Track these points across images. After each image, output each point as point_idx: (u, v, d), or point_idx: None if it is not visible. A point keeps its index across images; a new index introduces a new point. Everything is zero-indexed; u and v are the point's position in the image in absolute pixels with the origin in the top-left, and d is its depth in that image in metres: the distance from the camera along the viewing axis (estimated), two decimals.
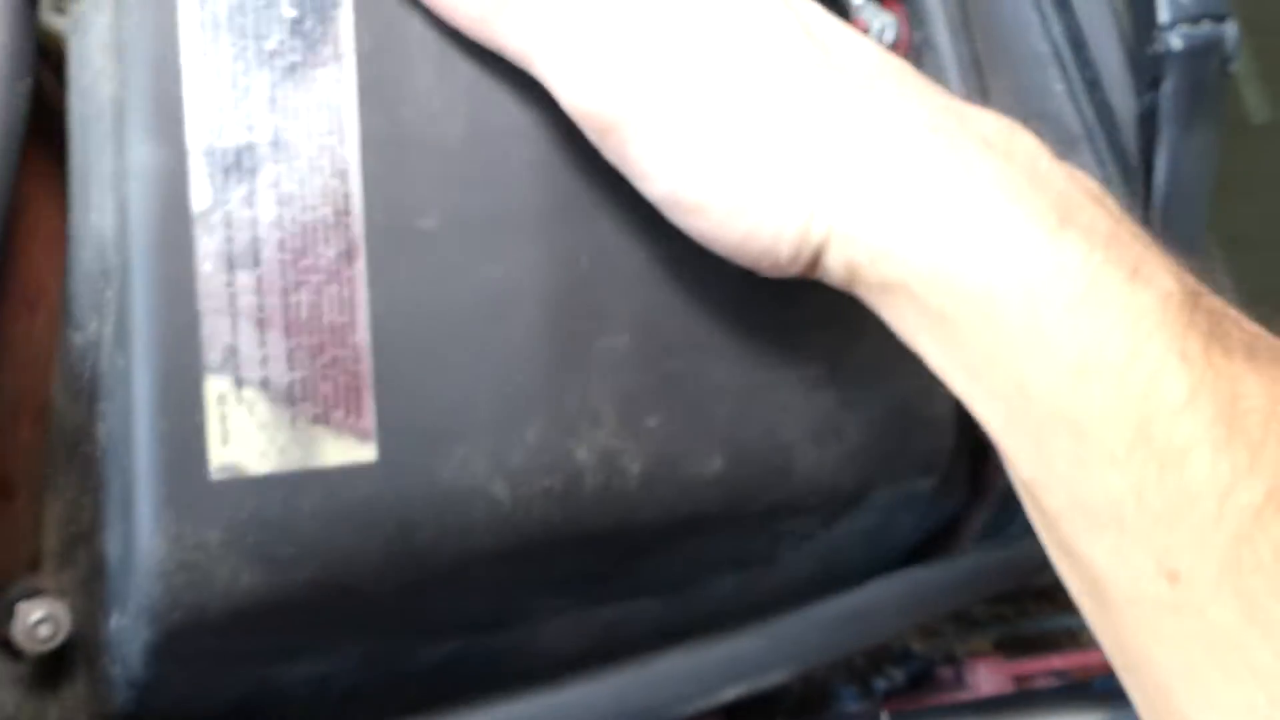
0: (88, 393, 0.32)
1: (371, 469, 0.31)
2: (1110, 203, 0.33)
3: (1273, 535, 0.27)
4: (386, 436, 0.32)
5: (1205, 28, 0.56)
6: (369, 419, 0.31)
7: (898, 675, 0.58)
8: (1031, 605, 0.67)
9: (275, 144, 0.30)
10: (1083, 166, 0.55)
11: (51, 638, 0.33)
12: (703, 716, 0.49)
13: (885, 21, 0.52)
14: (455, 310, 0.33)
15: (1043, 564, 0.53)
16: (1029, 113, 0.54)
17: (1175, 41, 0.55)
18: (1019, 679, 0.61)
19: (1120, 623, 0.30)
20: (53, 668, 0.34)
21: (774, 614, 0.52)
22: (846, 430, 0.44)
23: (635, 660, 0.43)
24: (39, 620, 0.33)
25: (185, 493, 0.29)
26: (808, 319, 0.41)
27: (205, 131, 0.30)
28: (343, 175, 0.31)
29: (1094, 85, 0.58)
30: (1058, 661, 0.63)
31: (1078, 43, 0.58)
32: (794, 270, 0.33)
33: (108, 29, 0.30)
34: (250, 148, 0.30)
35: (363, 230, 0.31)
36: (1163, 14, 0.55)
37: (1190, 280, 0.30)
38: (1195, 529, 0.28)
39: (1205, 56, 0.56)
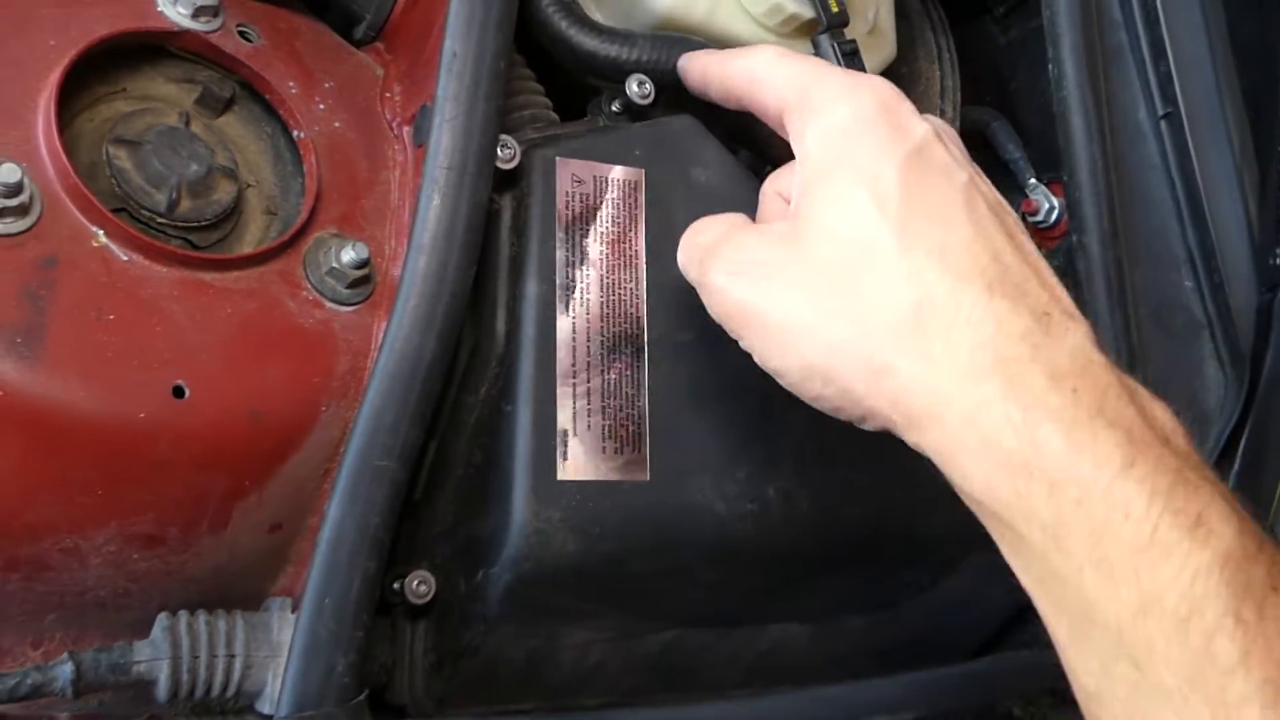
0: (469, 433, 0.51)
1: (645, 486, 0.50)
2: (1181, 438, 0.35)
3: None
4: (655, 466, 0.51)
5: None
6: (645, 454, 0.51)
7: None
8: None
9: (600, 284, 0.51)
10: (1201, 352, 0.70)
11: (426, 594, 0.52)
12: None
13: (1055, 204, 0.69)
14: (697, 393, 0.52)
15: None
16: (1161, 301, 0.70)
17: None
18: None
19: None
20: (414, 616, 0.53)
21: (899, 666, 0.68)
22: (942, 508, 0.61)
23: (807, 687, 0.59)
24: (420, 582, 0.52)
25: (543, 489, 0.48)
26: None
27: (567, 275, 0.50)
28: (637, 303, 0.52)
29: (1219, 287, 0.71)
30: None
31: (1208, 250, 0.71)
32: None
33: (510, 217, 0.51)
34: (588, 286, 0.51)
35: (647, 338, 0.52)
36: None
37: (1252, 529, 0.32)
38: None
39: None
